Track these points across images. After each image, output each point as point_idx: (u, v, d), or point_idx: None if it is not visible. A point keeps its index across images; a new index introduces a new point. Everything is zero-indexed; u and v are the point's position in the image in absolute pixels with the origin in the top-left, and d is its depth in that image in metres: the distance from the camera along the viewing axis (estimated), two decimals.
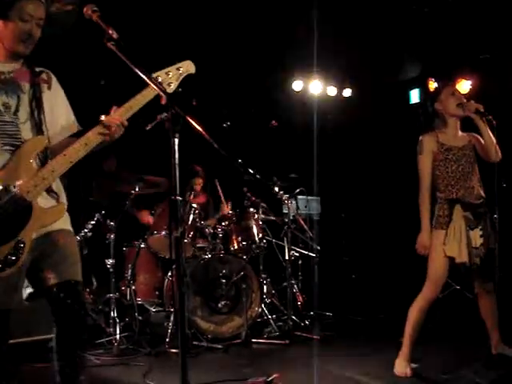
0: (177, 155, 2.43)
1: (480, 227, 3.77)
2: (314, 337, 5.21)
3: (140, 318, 5.26)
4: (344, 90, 8.37)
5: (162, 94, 2.52)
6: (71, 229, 2.83)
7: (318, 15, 6.42)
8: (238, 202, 6.08)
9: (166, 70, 2.78)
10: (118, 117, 2.68)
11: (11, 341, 4.29)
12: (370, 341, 5.12)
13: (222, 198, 6.37)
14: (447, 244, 3.70)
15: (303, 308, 5.92)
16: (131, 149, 6.15)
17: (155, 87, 2.47)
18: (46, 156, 2.72)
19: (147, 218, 6.01)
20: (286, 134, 7.73)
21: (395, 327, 3.99)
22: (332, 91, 8.28)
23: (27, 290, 2.83)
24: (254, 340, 5.06)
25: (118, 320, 5.05)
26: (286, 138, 7.82)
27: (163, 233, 5.28)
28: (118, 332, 4.96)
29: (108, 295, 5.17)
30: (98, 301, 5.46)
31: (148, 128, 4.11)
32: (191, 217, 5.35)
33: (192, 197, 5.84)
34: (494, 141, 3.79)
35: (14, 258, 2.54)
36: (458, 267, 3.75)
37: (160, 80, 2.73)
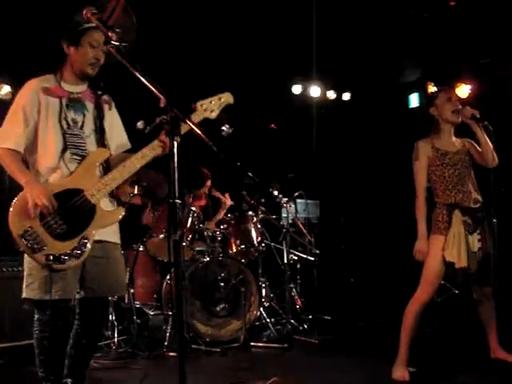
0: (176, 158, 2.44)
1: (478, 232, 3.76)
2: (313, 340, 5.20)
3: (138, 321, 5.24)
4: (343, 94, 8.37)
5: (160, 96, 2.54)
6: (120, 243, 3.25)
7: (318, 19, 6.43)
8: (237, 206, 6.07)
9: (210, 99, 3.13)
10: None
11: (15, 343, 4.34)
12: (368, 345, 5.11)
13: (220, 195, 6.32)
14: (447, 249, 3.69)
15: (302, 312, 5.91)
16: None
17: (153, 89, 2.51)
18: (108, 166, 3.11)
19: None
20: (285, 138, 7.73)
21: (393, 331, 3.98)
22: (331, 95, 8.28)
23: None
24: (252, 344, 5.05)
25: (116, 323, 5.04)
26: (286, 142, 7.82)
27: (162, 236, 5.27)
28: (116, 335, 4.96)
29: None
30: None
31: (147, 131, 4.11)
32: (190, 220, 5.35)
33: (191, 199, 5.82)
34: (491, 146, 3.79)
35: (79, 251, 2.92)
36: (456, 273, 3.74)
37: (205, 107, 3.09)
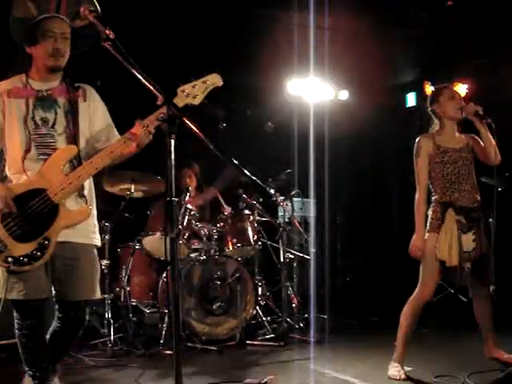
0: (173, 156, 2.44)
1: (473, 231, 3.75)
2: (309, 339, 5.21)
3: (134, 319, 5.25)
4: (340, 93, 8.36)
5: (158, 94, 2.53)
6: (98, 243, 3.22)
7: (316, 18, 6.42)
8: (233, 204, 6.05)
9: (193, 83, 2.84)
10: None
11: (9, 341, 4.31)
12: (364, 343, 5.11)
13: (223, 202, 6.25)
14: (438, 247, 3.70)
15: (298, 310, 5.90)
16: None
17: (150, 87, 2.50)
18: (80, 163, 2.99)
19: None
20: (282, 137, 7.71)
21: (389, 330, 3.98)
22: (329, 94, 8.27)
23: None
24: (248, 342, 5.05)
25: (112, 321, 5.03)
26: (282, 141, 7.80)
27: (158, 234, 5.26)
28: (112, 333, 4.94)
29: (102, 296, 5.15)
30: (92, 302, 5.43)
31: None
32: (186, 218, 5.34)
33: (188, 197, 5.79)
34: (494, 143, 3.78)
35: (39, 253, 2.85)
36: (448, 271, 3.74)
37: (187, 92, 2.81)
